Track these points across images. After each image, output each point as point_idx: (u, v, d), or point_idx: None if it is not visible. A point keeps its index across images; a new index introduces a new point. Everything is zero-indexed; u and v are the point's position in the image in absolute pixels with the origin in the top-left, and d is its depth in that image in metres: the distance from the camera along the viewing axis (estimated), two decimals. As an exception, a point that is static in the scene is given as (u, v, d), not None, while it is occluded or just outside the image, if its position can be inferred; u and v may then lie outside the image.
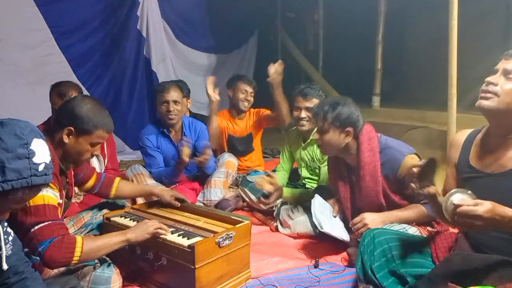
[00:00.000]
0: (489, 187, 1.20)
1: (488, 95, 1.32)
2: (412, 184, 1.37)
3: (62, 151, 1.66)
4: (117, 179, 2.15)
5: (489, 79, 1.33)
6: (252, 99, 3.42)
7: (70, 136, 1.64)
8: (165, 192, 2.20)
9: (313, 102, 2.68)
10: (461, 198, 1.20)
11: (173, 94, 2.84)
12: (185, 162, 2.76)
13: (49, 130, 1.65)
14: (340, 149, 2.05)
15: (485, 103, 1.32)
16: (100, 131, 1.68)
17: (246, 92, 3.38)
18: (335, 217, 2.23)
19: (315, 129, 2.73)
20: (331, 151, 2.10)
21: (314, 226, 2.39)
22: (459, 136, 1.52)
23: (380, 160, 1.97)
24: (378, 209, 2.00)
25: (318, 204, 2.23)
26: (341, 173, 2.18)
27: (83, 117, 1.63)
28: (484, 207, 1.13)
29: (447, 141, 2.81)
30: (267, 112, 3.45)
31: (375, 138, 2.02)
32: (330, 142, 2.03)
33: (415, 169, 1.35)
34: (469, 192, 1.24)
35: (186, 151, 2.73)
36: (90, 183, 2.03)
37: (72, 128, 1.63)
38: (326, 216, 2.19)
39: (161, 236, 1.73)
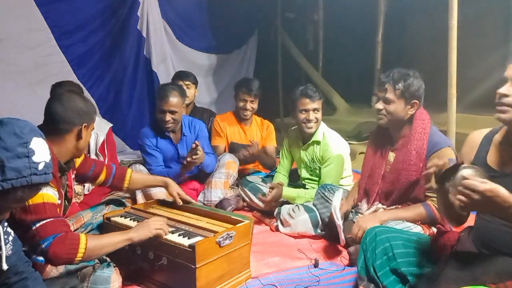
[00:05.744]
0: (506, 188, 1.18)
1: (503, 108, 1.31)
2: (429, 173, 1.36)
3: (76, 148, 1.69)
4: (129, 170, 2.16)
5: (500, 90, 1.32)
6: (253, 106, 3.35)
7: (83, 131, 1.69)
8: (175, 185, 2.21)
9: (320, 103, 2.69)
10: (470, 173, 1.21)
11: (171, 104, 2.76)
12: (190, 166, 2.76)
13: (50, 131, 1.64)
14: (401, 121, 2.06)
15: (502, 116, 1.32)
16: (96, 116, 1.79)
17: (245, 102, 3.32)
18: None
19: (317, 128, 2.77)
20: (391, 123, 2.09)
21: (315, 225, 2.40)
22: (476, 135, 1.51)
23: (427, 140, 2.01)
24: (412, 186, 2.03)
25: (339, 197, 2.25)
26: (382, 147, 2.19)
27: (88, 111, 1.71)
28: (488, 185, 1.13)
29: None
30: (271, 137, 3.47)
31: (428, 120, 2.06)
32: (395, 112, 2.03)
33: (441, 163, 1.33)
34: (481, 169, 1.24)
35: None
36: (102, 177, 2.04)
37: (86, 123, 1.69)
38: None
39: (164, 234, 1.73)
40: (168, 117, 2.79)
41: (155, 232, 1.69)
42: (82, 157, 1.92)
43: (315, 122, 2.70)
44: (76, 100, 1.68)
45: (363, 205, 2.24)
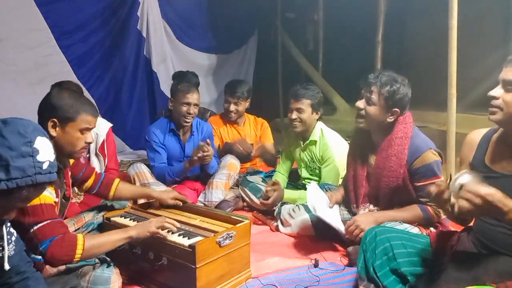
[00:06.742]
0: (504, 188, 1.19)
1: (493, 109, 1.34)
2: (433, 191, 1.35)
3: (54, 146, 1.63)
4: (117, 180, 2.14)
5: (491, 93, 1.34)
6: (238, 108, 3.36)
7: (56, 128, 1.61)
8: (164, 195, 2.18)
9: (304, 103, 2.68)
10: (469, 178, 1.21)
11: (195, 97, 2.87)
12: (196, 163, 2.76)
13: None
14: (379, 125, 2.04)
15: (492, 117, 1.35)
16: (83, 116, 1.64)
17: (228, 103, 3.36)
18: (331, 207, 2.23)
19: (312, 130, 2.77)
20: (369, 124, 2.07)
21: (315, 226, 2.39)
22: (475, 135, 1.52)
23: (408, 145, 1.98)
24: (395, 191, 2.01)
25: (313, 190, 2.25)
26: (363, 150, 2.17)
27: (62, 106, 1.60)
28: (487, 189, 1.14)
29: (447, 141, 2.81)
30: (267, 135, 3.50)
31: (411, 124, 2.03)
32: (374, 115, 2.00)
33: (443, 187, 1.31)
34: (479, 175, 1.24)
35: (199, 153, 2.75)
36: (89, 183, 2.03)
37: (55, 120, 1.60)
38: (321, 203, 2.21)
39: (162, 236, 1.71)
40: (192, 110, 2.86)
41: (153, 231, 1.66)
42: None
43: (298, 122, 2.71)
44: (57, 94, 1.61)
45: (353, 207, 2.25)
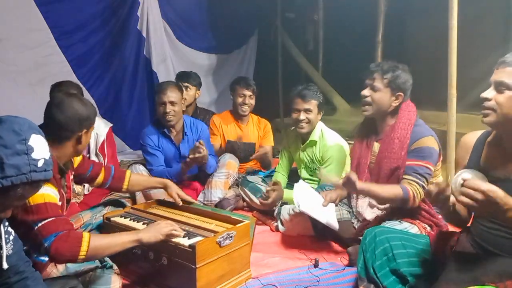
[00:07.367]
0: None
1: (486, 111, 1.34)
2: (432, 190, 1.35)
3: (75, 151, 1.69)
4: (128, 172, 2.15)
5: (483, 94, 1.35)
6: (252, 102, 3.41)
7: (83, 136, 1.68)
8: (174, 186, 2.22)
9: (312, 103, 2.68)
10: (471, 175, 1.23)
11: (170, 95, 2.81)
12: (191, 164, 2.76)
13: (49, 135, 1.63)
14: (385, 112, 2.11)
15: (485, 120, 1.36)
16: (95, 117, 1.76)
17: (244, 96, 3.37)
18: (325, 206, 2.22)
19: (309, 129, 2.76)
20: (375, 112, 2.13)
21: (315, 226, 2.40)
22: (470, 137, 1.52)
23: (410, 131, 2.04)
24: (395, 175, 2.04)
25: (300, 187, 2.31)
26: (368, 138, 2.23)
27: (90, 115, 1.69)
28: (489, 185, 1.14)
29: (447, 141, 2.81)
30: (269, 137, 3.52)
31: (414, 112, 2.10)
32: (380, 101, 2.09)
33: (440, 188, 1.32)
34: (481, 174, 1.25)
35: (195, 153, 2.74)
36: (100, 178, 2.04)
37: (85, 129, 1.68)
38: (307, 199, 2.23)
39: (176, 235, 1.71)
40: (169, 108, 2.81)
41: (166, 233, 1.65)
42: (80, 158, 1.92)
43: (306, 123, 2.71)
44: (76, 106, 1.65)
45: (353, 200, 2.27)
